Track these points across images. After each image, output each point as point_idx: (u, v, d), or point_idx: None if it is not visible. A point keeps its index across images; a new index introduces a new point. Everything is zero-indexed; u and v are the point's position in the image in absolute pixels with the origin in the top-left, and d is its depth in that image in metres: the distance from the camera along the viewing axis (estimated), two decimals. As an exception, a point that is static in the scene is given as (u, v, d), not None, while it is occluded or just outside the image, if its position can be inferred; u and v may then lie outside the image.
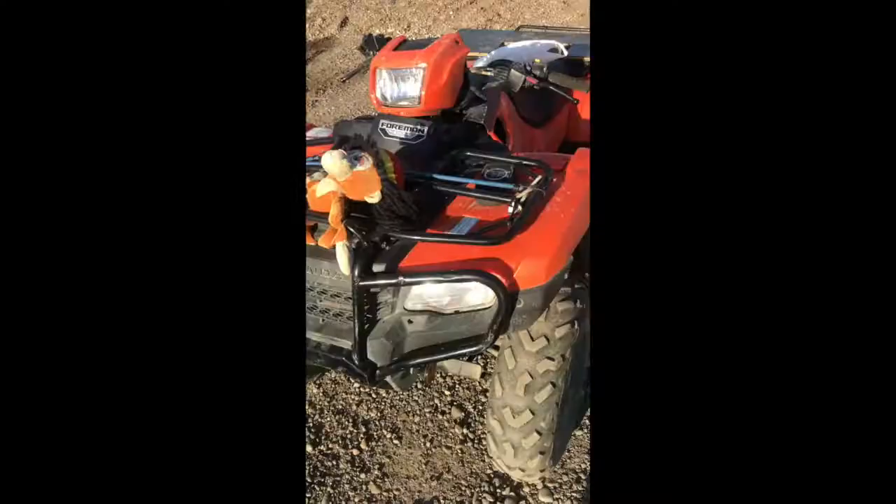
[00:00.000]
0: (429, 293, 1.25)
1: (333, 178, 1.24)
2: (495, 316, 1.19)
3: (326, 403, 2.05)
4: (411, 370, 1.39)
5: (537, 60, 1.62)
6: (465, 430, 1.91)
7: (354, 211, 1.24)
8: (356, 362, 1.28)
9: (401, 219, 1.24)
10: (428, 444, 1.88)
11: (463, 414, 1.97)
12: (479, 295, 1.24)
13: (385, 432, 1.93)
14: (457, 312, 1.26)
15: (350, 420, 1.98)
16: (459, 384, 2.08)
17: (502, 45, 2.27)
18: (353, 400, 2.06)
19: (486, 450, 1.83)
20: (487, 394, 1.98)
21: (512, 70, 1.59)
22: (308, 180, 1.40)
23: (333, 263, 1.25)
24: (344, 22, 6.04)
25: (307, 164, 1.55)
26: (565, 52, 2.15)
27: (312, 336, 1.35)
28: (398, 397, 2.05)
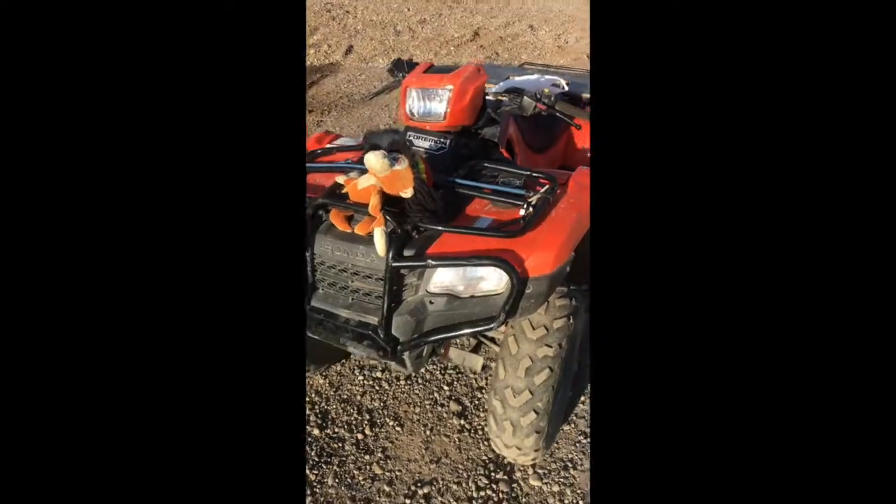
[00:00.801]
0: (449, 279, 1.44)
1: (374, 174, 1.43)
2: (507, 298, 1.38)
3: (332, 393, 2.19)
4: (425, 351, 1.57)
5: (546, 91, 1.87)
6: (462, 421, 2.07)
7: (389, 204, 1.44)
8: (381, 336, 1.45)
9: (429, 212, 1.44)
10: (428, 432, 2.03)
11: (460, 407, 2.13)
12: (491, 283, 1.44)
13: (388, 420, 2.08)
14: (472, 297, 1.45)
15: (355, 408, 2.12)
16: (457, 381, 2.25)
17: (508, 77, 2.53)
18: (358, 390, 2.20)
19: (482, 439, 1.99)
20: (485, 389, 2.15)
21: (524, 97, 1.83)
22: (345, 178, 1.61)
23: (369, 247, 1.44)
24: (349, 50, 6.35)
25: (340, 166, 1.75)
26: (566, 87, 2.41)
27: (342, 312, 1.52)
28: (400, 390, 2.20)
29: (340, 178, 1.61)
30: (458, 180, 1.59)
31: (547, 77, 2.42)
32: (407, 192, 1.43)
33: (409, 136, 1.76)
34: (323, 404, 2.15)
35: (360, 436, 2.01)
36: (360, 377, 2.26)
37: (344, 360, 2.32)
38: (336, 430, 2.04)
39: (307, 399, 2.17)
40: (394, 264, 1.39)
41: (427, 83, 1.72)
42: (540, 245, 1.40)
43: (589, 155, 2.48)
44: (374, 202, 1.40)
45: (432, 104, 1.73)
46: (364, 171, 1.54)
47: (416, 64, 1.97)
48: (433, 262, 1.37)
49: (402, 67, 2.07)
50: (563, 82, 2.41)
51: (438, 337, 1.45)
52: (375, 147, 1.71)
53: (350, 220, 1.51)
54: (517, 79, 2.43)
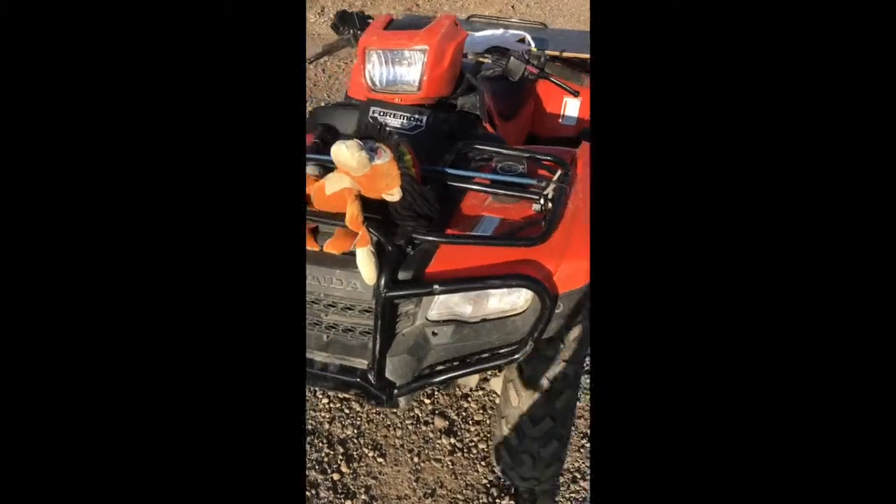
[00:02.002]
0: (454, 302, 1.13)
1: (347, 173, 1.07)
2: (537, 322, 1.09)
3: (294, 424, 1.84)
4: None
5: (534, 50, 1.54)
6: (452, 440, 1.80)
7: (368, 210, 1.08)
8: (374, 382, 1.12)
9: (423, 218, 1.10)
10: (415, 459, 1.75)
11: (447, 422, 1.85)
12: (504, 301, 1.14)
13: (366, 451, 1.77)
14: (483, 320, 1.15)
15: (324, 441, 1.79)
16: (438, 391, 1.96)
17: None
18: (324, 417, 1.86)
19: (477, 459, 1.74)
20: (470, 398, 1.89)
21: (512, 58, 1.49)
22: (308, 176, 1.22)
23: (347, 271, 1.08)
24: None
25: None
26: (532, 44, 2.09)
27: (317, 356, 1.17)
28: (374, 410, 1.89)
29: (294, 177, 1.22)
30: (448, 169, 1.25)
31: (512, 32, 2.08)
32: (393, 194, 1.08)
33: (374, 112, 1.38)
34: (284, 441, 1.79)
35: (335, 476, 1.69)
36: (325, 400, 1.92)
37: (301, 381, 1.96)
38: (306, 472, 1.70)
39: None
40: (388, 294, 1.04)
41: (392, 43, 1.34)
42: (570, 253, 1.11)
43: (562, 122, 2.20)
44: (352, 212, 1.04)
45: (401, 70, 1.36)
46: (325, 167, 1.17)
47: (369, 17, 1.57)
48: (440, 289, 1.05)
49: (350, 21, 1.65)
50: (528, 38, 2.09)
51: (449, 377, 1.14)
52: (332, 132, 1.32)
53: (315, 233, 1.14)
54: (476, 35, 2.07)
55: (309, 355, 1.18)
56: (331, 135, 1.40)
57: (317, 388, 1.92)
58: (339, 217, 1.07)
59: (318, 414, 1.88)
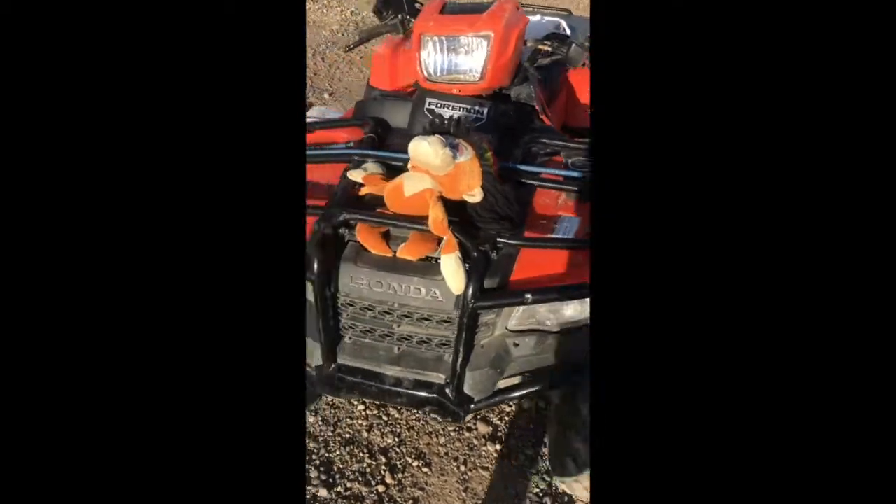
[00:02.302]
0: (539, 309, 1.04)
1: (427, 173, 0.97)
2: None
3: (331, 433, 1.75)
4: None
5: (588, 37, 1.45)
6: (497, 446, 1.73)
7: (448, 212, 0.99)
8: (452, 398, 1.04)
9: (505, 220, 1.02)
10: (462, 468, 1.67)
11: (490, 428, 1.78)
12: (577, 307, 1.06)
13: (409, 460, 1.69)
14: (566, 330, 1.07)
15: (364, 450, 1.70)
16: (477, 394, 1.89)
17: None
18: (361, 425, 1.78)
19: (525, 466, 1.67)
20: (548, 411, 1.81)
21: (573, 45, 1.40)
22: (363, 173, 1.12)
23: (427, 279, 0.99)
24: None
25: (339, 152, 1.25)
26: (567, 31, 2.00)
27: (387, 370, 1.08)
28: (413, 416, 1.81)
29: (355, 174, 1.12)
30: (520, 166, 1.16)
31: (548, 19, 1.99)
32: (475, 194, 0.99)
33: (430, 104, 1.28)
34: (323, 451, 1.70)
35: (381, 488, 1.61)
36: (360, 406, 1.83)
37: (334, 387, 1.86)
38: (349, 484, 1.62)
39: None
40: (475, 304, 0.96)
41: (451, 29, 1.24)
42: None
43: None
44: (436, 215, 0.95)
45: (461, 58, 1.26)
46: (386, 164, 1.08)
47: (418, 1, 1.46)
48: (532, 298, 0.96)
49: (397, 5, 1.54)
50: (564, 24, 2.00)
51: (529, 391, 1.06)
52: (384, 126, 1.23)
53: (387, 237, 1.04)
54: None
55: (378, 369, 1.09)
56: (382, 129, 1.30)
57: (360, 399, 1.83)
58: (418, 220, 0.97)
59: (354, 422, 1.79)
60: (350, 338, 1.10)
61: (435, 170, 0.95)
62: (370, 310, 1.05)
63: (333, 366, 1.10)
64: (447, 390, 1.04)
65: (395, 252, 1.02)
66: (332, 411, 1.82)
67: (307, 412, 1.78)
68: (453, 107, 1.28)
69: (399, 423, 1.79)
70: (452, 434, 1.77)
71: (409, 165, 1.02)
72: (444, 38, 1.25)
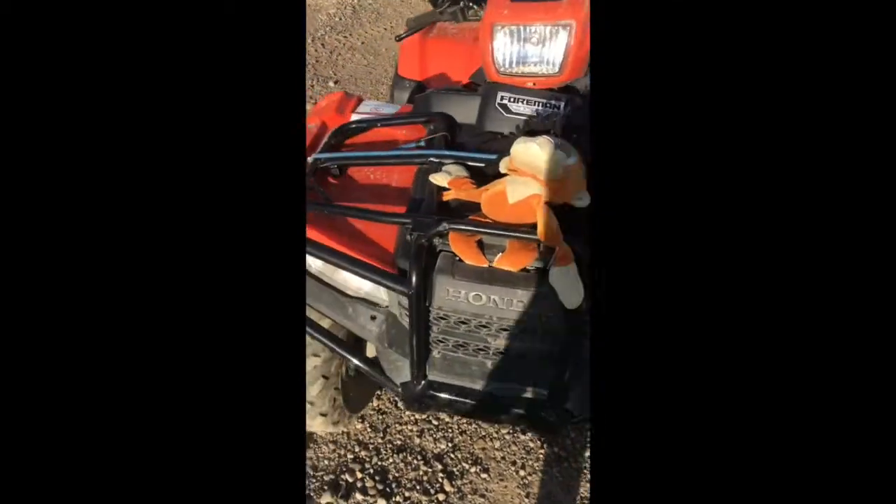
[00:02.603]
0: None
1: (534, 177, 0.90)
2: None
3: (381, 441, 1.69)
4: None
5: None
6: (555, 449, 1.69)
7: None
8: (554, 414, 0.98)
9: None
10: (521, 473, 1.63)
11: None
12: None
13: (466, 465, 1.64)
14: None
15: (418, 457, 1.65)
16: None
17: None
18: (412, 431, 1.72)
19: (586, 468, 1.63)
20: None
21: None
22: (448, 177, 1.05)
23: (532, 290, 0.93)
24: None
25: (411, 153, 1.17)
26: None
27: (483, 386, 1.02)
28: (464, 420, 1.75)
29: (439, 178, 1.05)
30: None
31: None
32: (582, 199, 0.92)
33: (502, 98, 1.21)
34: (375, 460, 1.64)
35: (440, 496, 1.56)
36: (408, 412, 1.77)
37: (379, 392, 1.80)
38: (407, 494, 1.56)
39: (352, 455, 1.65)
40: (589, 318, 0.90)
41: (527, 17, 1.16)
42: None
43: None
44: (549, 223, 0.88)
45: (537, 49, 1.18)
46: (465, 164, 1.01)
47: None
48: None
49: None
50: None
51: None
52: (451, 123, 1.15)
53: (483, 247, 0.97)
54: None
55: (471, 385, 1.02)
56: (446, 125, 1.23)
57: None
58: (522, 229, 0.91)
59: (404, 427, 1.73)
60: (439, 352, 1.04)
61: (545, 174, 0.89)
62: (464, 323, 0.99)
63: (424, 383, 1.03)
64: (548, 407, 0.99)
65: (491, 262, 0.95)
66: (380, 417, 1.76)
67: (354, 419, 1.71)
68: (527, 101, 1.20)
69: (451, 428, 1.74)
70: (507, 437, 1.72)
71: (508, 169, 0.95)
72: (519, 28, 1.17)
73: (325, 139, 1.27)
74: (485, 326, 0.99)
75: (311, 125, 1.33)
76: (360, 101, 1.44)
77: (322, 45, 4.11)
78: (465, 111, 1.27)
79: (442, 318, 1.00)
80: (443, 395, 1.02)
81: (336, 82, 3.71)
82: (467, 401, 1.02)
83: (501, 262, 0.94)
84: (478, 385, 1.02)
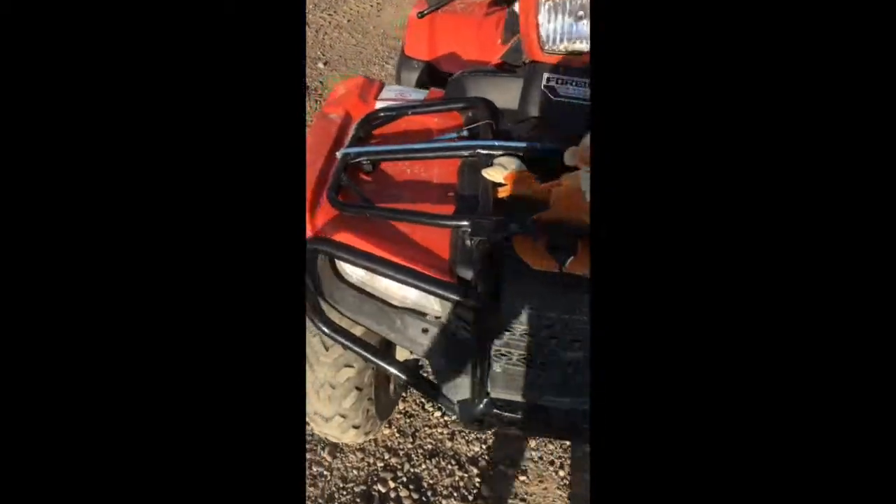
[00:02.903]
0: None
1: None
2: None
3: (411, 446, 1.61)
4: None
5: None
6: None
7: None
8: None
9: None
10: (560, 473, 1.56)
11: (579, 425, 1.67)
12: None
13: (502, 468, 1.57)
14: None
15: (452, 461, 1.57)
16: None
17: None
18: (442, 434, 1.64)
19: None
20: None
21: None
22: (503, 172, 0.94)
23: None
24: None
25: (453, 145, 1.06)
26: None
27: (548, 402, 0.93)
28: (495, 420, 1.68)
29: (493, 173, 0.94)
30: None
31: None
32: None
33: (549, 80, 1.10)
34: (407, 466, 1.56)
35: (479, 502, 1.49)
36: (437, 413, 1.69)
37: (403, 395, 1.71)
38: (444, 502, 1.49)
39: (382, 463, 1.56)
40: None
41: None
42: None
43: None
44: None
45: (584, 26, 1.07)
46: (518, 156, 0.91)
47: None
48: None
49: None
50: None
51: None
52: (491, 109, 1.04)
53: (551, 249, 0.87)
54: None
55: (540, 402, 0.94)
56: (489, 111, 1.11)
57: (432, 404, 1.68)
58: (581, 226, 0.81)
59: (434, 430, 1.65)
60: (501, 367, 0.95)
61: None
62: (532, 336, 0.90)
63: (486, 401, 0.94)
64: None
65: (562, 266, 0.85)
66: (407, 420, 1.67)
67: (382, 424, 1.63)
68: (576, 83, 1.09)
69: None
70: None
71: (580, 161, 0.84)
72: (563, 4, 1.06)
73: (351, 131, 1.15)
74: (554, 337, 0.89)
75: (334, 115, 1.21)
76: (382, 86, 1.31)
77: (307, 23, 3.90)
78: (504, 95, 1.16)
79: (507, 329, 0.90)
80: (509, 415, 0.93)
81: (325, 63, 3.53)
82: (534, 418, 0.93)
83: (574, 266, 0.85)
84: (545, 401, 0.94)
